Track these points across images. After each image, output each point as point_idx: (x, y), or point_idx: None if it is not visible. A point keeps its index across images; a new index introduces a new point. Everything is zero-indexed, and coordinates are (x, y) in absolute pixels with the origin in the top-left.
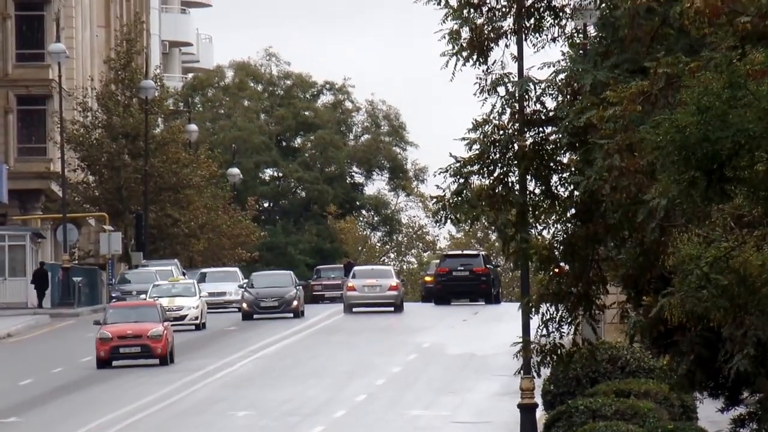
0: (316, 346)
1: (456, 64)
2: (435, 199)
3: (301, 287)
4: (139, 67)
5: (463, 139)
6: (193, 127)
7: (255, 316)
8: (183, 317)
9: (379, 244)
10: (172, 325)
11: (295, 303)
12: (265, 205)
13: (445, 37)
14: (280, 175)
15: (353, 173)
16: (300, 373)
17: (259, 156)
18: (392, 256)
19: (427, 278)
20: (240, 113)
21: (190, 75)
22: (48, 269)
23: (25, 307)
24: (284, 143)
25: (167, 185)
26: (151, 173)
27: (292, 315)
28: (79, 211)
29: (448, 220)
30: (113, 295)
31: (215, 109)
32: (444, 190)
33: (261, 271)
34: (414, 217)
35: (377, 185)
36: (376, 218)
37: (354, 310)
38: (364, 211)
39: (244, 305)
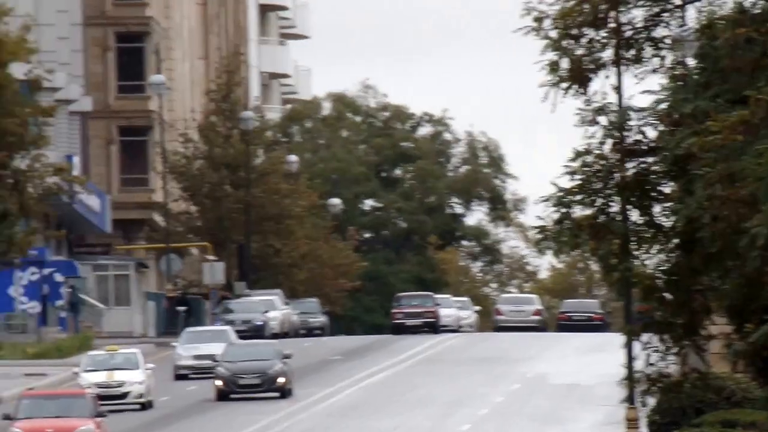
0: (418, 376)
1: (556, 95)
2: (536, 229)
3: (288, 360)
4: (238, 99)
5: (565, 168)
6: (294, 157)
7: (232, 396)
8: (125, 395)
9: (480, 274)
10: (113, 404)
11: (280, 380)
12: (366, 235)
13: (544, 68)
14: (380, 205)
15: (453, 204)
16: (403, 402)
17: (359, 187)
18: (494, 286)
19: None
20: (339, 144)
21: (289, 106)
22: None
23: (130, 336)
24: (383, 174)
25: (269, 215)
26: (253, 203)
27: (278, 394)
28: (181, 241)
29: (549, 249)
30: (216, 324)
31: (314, 139)
32: (545, 220)
33: (237, 342)
34: (515, 247)
35: (477, 216)
36: (477, 248)
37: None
38: (464, 242)
39: (219, 383)
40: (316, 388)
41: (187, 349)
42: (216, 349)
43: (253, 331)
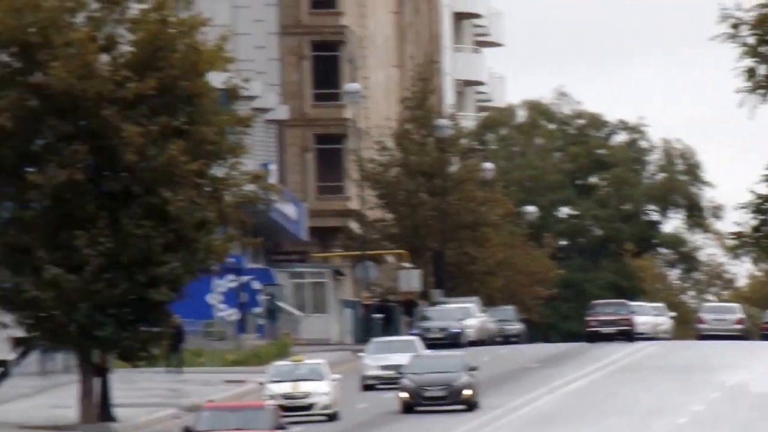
0: (615, 384)
1: (753, 101)
2: (732, 235)
3: (474, 372)
4: (433, 107)
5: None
6: (489, 165)
7: (417, 408)
8: (310, 406)
9: (677, 282)
10: (298, 415)
11: (466, 392)
12: (562, 242)
13: (741, 74)
14: (576, 213)
15: (649, 211)
16: (600, 410)
17: (555, 194)
18: (691, 294)
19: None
20: (534, 152)
21: (483, 114)
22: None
23: (327, 343)
24: (579, 181)
25: (464, 223)
26: (448, 211)
27: (464, 407)
28: (377, 249)
29: (745, 256)
30: (413, 331)
31: (509, 147)
32: (743, 226)
33: (423, 353)
34: (712, 255)
35: (673, 223)
36: (673, 256)
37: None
38: (661, 249)
39: (404, 395)
40: (510, 397)
41: (375, 359)
42: (403, 359)
43: (449, 339)
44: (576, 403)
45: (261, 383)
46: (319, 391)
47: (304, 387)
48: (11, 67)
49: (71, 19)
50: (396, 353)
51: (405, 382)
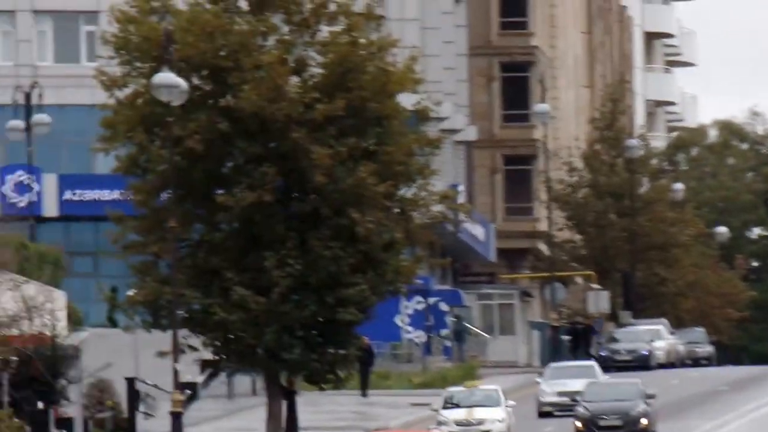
0: None
1: None
2: None
3: (651, 400)
4: (623, 127)
5: None
6: (680, 185)
7: None
8: None
9: None
10: None
11: (643, 421)
12: (754, 263)
13: None
14: None
15: None
16: None
17: (747, 215)
18: None
19: None
20: (725, 172)
21: (675, 134)
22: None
23: (514, 365)
24: None
25: (654, 244)
26: (638, 232)
27: None
28: (566, 270)
29: None
30: (601, 353)
31: (700, 167)
32: None
33: (599, 380)
34: None
35: None
36: None
37: None
38: None
39: (579, 424)
40: (697, 421)
41: (551, 384)
42: (580, 385)
43: (638, 361)
44: (765, 429)
45: (434, 409)
46: (494, 417)
47: (479, 414)
48: (202, 91)
49: (262, 43)
50: (573, 379)
51: (580, 410)
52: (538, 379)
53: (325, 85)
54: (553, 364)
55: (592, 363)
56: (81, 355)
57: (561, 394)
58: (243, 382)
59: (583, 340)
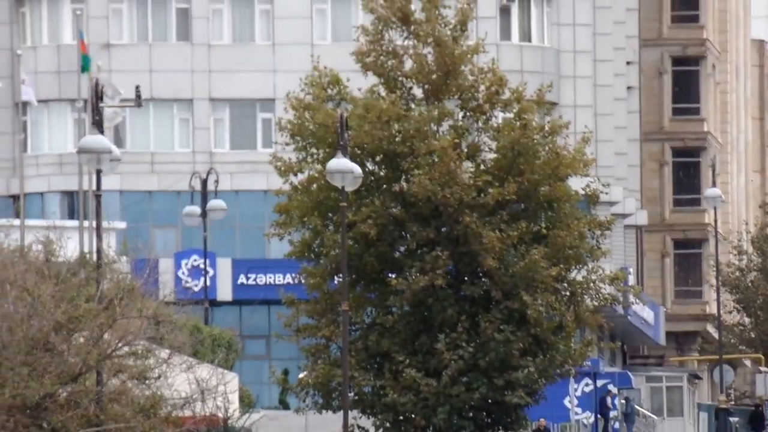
0: None
1: None
2: None
3: None
4: None
5: None
6: None
7: None
8: None
9: None
10: None
11: None
12: None
13: None
14: None
15: None
16: None
17: None
18: None
19: None
20: None
21: None
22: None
23: None
24: None
25: None
26: None
27: None
28: (734, 353)
29: None
30: None
31: None
32: None
33: None
34: None
35: None
36: None
37: None
38: None
39: None
40: None
41: None
42: None
43: None
44: None
45: None
46: None
47: None
48: (375, 176)
49: (436, 128)
50: None
51: None
52: None
53: (497, 169)
54: None
55: None
56: None
57: None
58: None
59: (757, 422)
